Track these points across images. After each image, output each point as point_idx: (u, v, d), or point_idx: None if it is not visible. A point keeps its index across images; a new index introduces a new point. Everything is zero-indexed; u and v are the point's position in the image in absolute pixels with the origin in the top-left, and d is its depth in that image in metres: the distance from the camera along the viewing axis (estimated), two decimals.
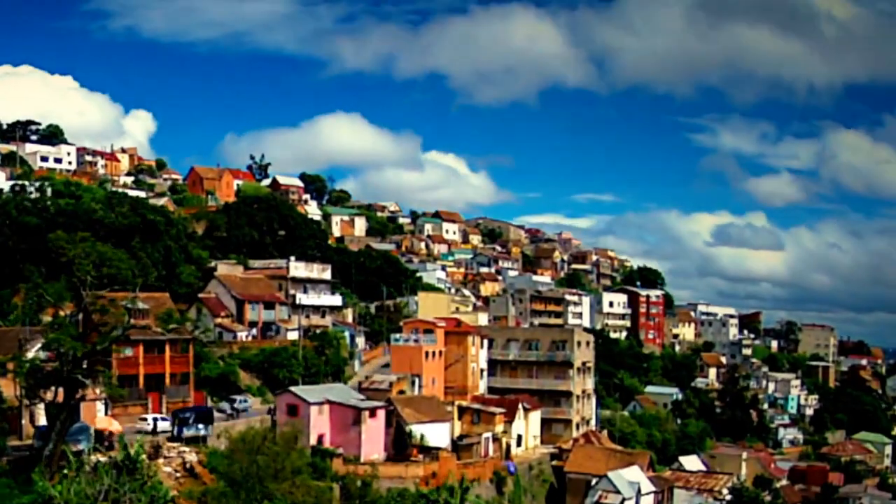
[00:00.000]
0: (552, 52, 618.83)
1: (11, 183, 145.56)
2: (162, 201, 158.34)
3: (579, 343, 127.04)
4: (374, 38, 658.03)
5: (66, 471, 47.27)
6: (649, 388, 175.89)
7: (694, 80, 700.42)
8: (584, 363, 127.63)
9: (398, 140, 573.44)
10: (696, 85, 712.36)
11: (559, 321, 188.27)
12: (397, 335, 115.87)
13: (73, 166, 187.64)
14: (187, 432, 74.75)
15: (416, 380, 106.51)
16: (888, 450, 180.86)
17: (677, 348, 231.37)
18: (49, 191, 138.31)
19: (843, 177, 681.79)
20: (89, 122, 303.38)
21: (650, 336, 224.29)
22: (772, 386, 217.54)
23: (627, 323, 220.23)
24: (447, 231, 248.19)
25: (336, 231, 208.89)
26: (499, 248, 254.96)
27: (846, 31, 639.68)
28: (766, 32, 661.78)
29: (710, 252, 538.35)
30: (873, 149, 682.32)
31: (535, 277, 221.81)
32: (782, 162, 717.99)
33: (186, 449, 72.12)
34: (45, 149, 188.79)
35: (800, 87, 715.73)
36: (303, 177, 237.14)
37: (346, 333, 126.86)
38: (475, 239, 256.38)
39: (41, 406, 66.19)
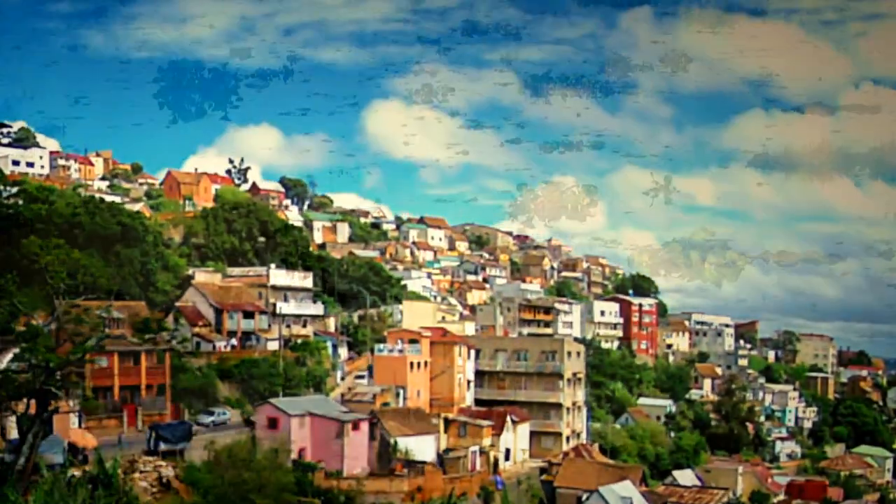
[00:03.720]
0: None
1: None
2: (137, 207, 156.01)
3: (569, 353, 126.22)
4: None
5: (39, 485, 47.82)
6: (642, 400, 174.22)
7: None
8: (574, 374, 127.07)
9: None
10: None
11: (549, 331, 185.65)
12: (381, 345, 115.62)
13: (46, 170, 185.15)
14: (164, 447, 74.12)
15: (401, 391, 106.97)
16: (889, 464, 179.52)
17: (671, 359, 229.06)
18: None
19: None
20: None
21: (643, 346, 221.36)
22: (769, 398, 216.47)
23: (619, 333, 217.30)
24: (433, 237, 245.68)
25: (318, 237, 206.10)
26: (486, 255, 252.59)
27: None
28: None
29: None
30: None
31: (523, 285, 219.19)
32: None
33: (163, 463, 70.91)
34: (16, 152, 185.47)
35: None
36: (283, 181, 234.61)
37: (328, 343, 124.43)
38: (462, 246, 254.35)
39: (12, 418, 64.80)
